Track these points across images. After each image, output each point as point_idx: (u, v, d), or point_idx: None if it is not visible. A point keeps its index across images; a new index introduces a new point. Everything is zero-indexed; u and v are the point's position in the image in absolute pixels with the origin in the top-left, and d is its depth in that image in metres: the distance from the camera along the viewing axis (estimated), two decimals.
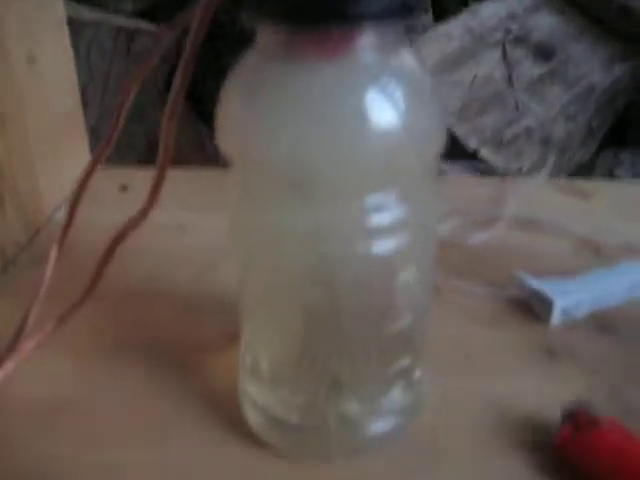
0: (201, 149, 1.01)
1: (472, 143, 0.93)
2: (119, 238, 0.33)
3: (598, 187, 0.56)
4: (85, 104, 0.73)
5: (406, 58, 0.25)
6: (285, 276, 0.28)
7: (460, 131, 0.92)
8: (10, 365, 0.34)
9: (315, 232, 0.26)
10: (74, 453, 0.32)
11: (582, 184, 0.56)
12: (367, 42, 0.24)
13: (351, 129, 0.24)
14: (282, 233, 0.26)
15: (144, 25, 1.11)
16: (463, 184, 0.54)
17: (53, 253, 0.35)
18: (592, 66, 1.10)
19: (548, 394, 0.35)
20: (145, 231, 0.48)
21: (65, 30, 0.54)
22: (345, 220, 0.26)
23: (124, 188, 0.54)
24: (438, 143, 0.27)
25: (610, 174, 1.08)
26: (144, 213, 0.30)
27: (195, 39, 0.27)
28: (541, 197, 0.53)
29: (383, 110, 0.24)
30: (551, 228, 0.49)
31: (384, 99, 0.24)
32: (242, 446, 0.32)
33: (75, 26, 0.97)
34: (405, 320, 0.30)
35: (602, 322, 0.40)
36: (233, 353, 0.34)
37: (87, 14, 1.02)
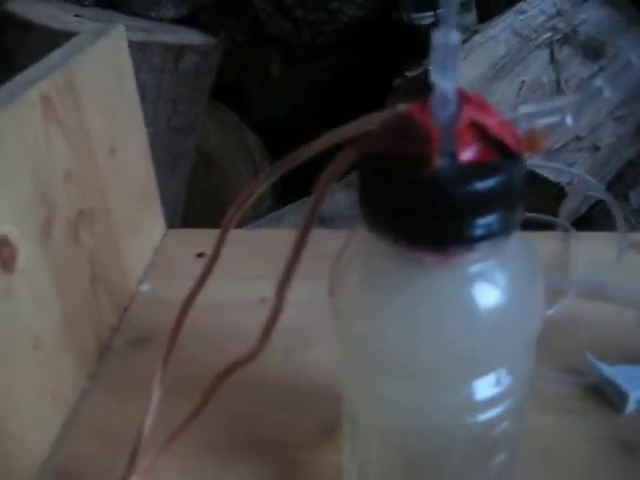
0: None
1: None
2: (225, 374, 0.35)
3: None
4: None
5: (514, 250, 0.27)
6: (394, 435, 0.30)
7: None
8: None
9: (423, 408, 0.28)
10: None
11: None
12: (478, 254, 0.26)
13: (461, 328, 0.27)
14: (391, 406, 0.29)
15: (188, 39, 1.12)
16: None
17: (158, 376, 0.37)
18: None
19: None
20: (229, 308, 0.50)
21: (140, 118, 0.57)
22: (453, 400, 0.28)
23: (200, 255, 0.57)
24: (538, 322, 0.29)
25: None
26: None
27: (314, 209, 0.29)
28: (607, 256, 0.52)
29: (491, 309, 0.26)
30: (617, 295, 0.50)
31: (492, 298, 0.26)
32: None
33: None
34: (503, 455, 0.32)
35: None
36: (331, 450, 0.37)
37: (133, 35, 1.03)
